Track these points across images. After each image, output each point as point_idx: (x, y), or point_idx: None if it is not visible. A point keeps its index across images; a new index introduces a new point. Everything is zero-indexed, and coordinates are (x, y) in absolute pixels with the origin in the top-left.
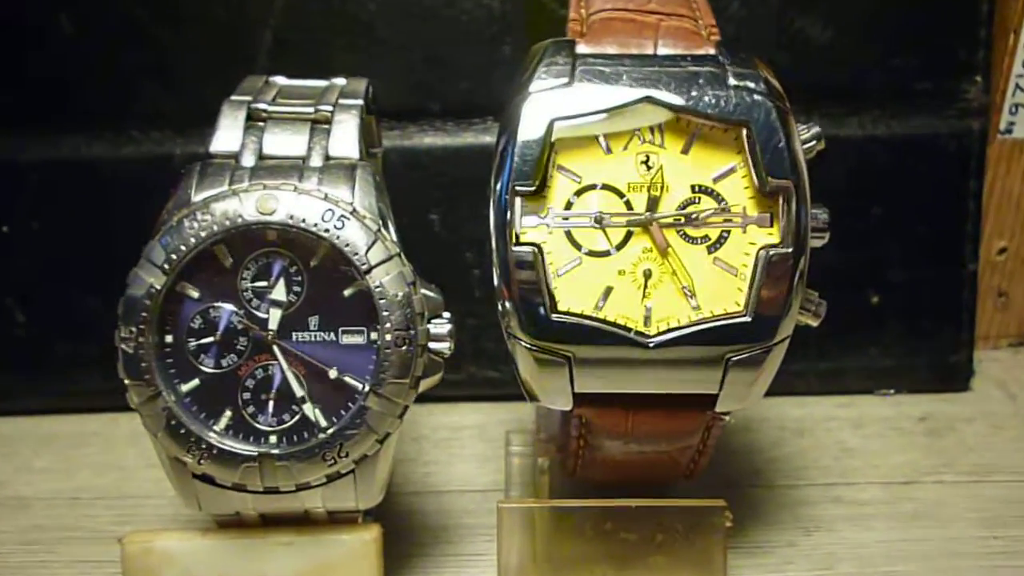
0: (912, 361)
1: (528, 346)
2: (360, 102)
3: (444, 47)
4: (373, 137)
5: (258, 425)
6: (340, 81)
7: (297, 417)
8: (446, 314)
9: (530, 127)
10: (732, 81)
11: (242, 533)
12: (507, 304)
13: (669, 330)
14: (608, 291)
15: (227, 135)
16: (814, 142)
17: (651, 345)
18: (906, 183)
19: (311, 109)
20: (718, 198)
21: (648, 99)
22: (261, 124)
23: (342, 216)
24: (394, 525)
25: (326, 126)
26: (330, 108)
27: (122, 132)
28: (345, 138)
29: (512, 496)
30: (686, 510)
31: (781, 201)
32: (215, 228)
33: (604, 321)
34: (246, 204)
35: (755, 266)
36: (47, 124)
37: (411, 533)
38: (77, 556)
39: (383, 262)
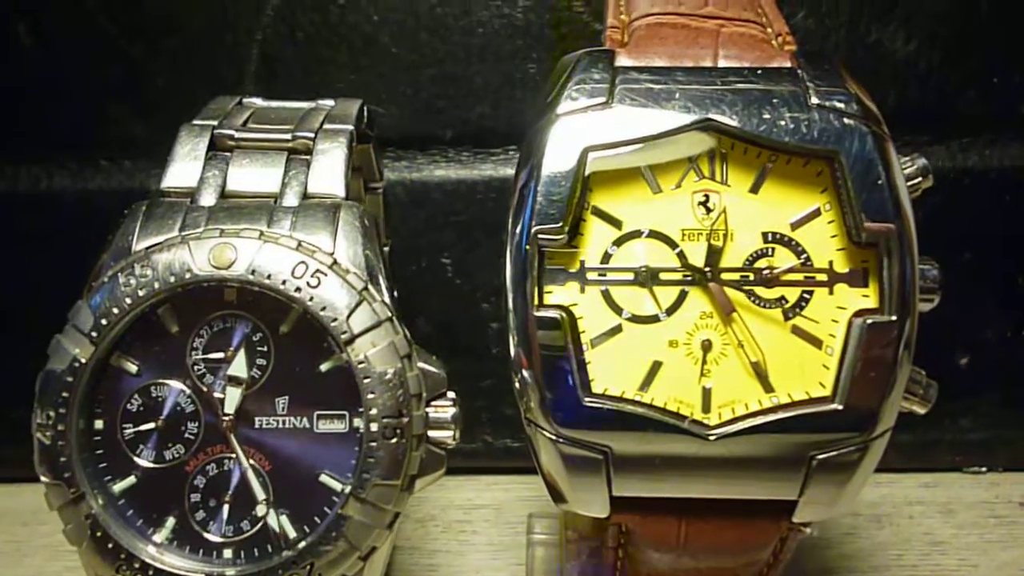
0: (1008, 433)
1: (553, 436)
2: (349, 127)
3: (457, 64)
4: (373, 170)
5: (208, 536)
6: (327, 103)
7: (258, 527)
8: (450, 394)
9: (558, 158)
10: (815, 100)
11: None
12: (527, 380)
13: (735, 419)
14: (656, 367)
15: (183, 167)
16: (919, 179)
17: (712, 438)
18: (1003, 223)
19: (288, 136)
20: (797, 249)
21: (708, 123)
22: (227, 154)
23: (318, 271)
24: None
25: (306, 157)
26: (311, 135)
27: (88, 161)
28: (328, 171)
29: None
30: None
31: (880, 253)
32: (157, 286)
33: (651, 406)
34: (197, 255)
35: (847, 337)
36: (1, 152)
37: None
38: None
39: (369, 330)
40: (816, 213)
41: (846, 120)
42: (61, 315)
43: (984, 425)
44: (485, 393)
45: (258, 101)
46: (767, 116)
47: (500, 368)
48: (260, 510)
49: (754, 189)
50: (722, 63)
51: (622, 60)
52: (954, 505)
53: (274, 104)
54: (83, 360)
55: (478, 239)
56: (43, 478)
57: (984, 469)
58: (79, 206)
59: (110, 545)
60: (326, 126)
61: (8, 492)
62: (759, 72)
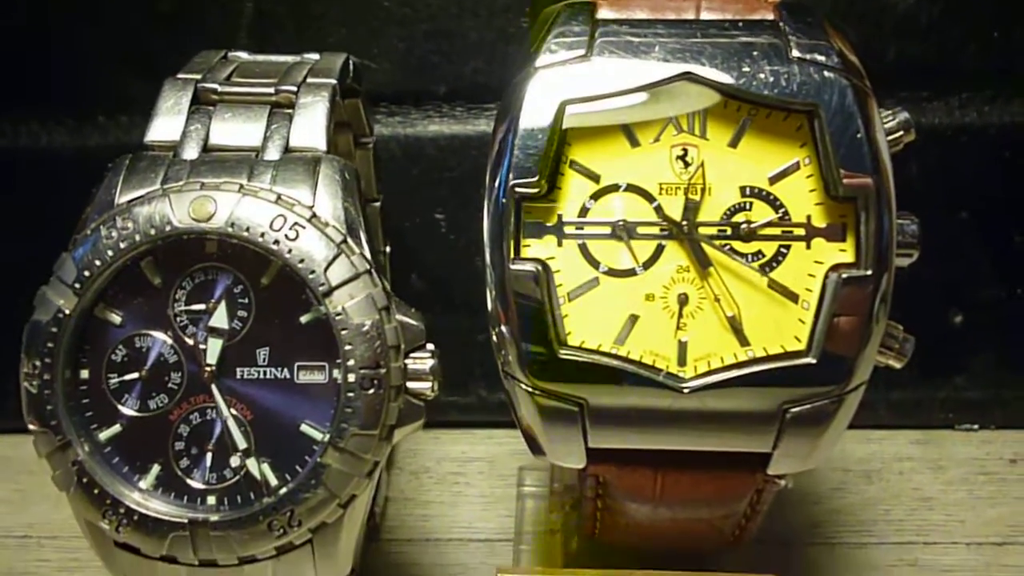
0: (1001, 392)
1: (530, 388)
2: (332, 81)
3: (451, 19)
4: (363, 125)
5: (192, 483)
6: (312, 56)
7: (240, 475)
8: (429, 346)
9: (535, 111)
10: (795, 53)
11: None
12: (504, 333)
13: (710, 372)
14: (633, 321)
15: (166, 121)
16: (901, 132)
17: (686, 390)
18: (1000, 182)
19: (271, 90)
20: (775, 203)
21: (687, 76)
22: (210, 108)
23: (296, 224)
24: None
25: (289, 110)
26: (295, 88)
27: (86, 118)
28: (310, 125)
29: (522, 551)
30: None
31: (858, 208)
32: (138, 238)
33: (627, 359)
34: (177, 208)
35: (822, 292)
36: (0, 110)
37: None
38: None
39: (347, 282)
40: (795, 167)
41: (826, 73)
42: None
43: (978, 384)
44: (479, 348)
45: (243, 55)
46: (747, 69)
47: None
48: (241, 459)
49: (733, 143)
50: (704, 15)
51: (603, 12)
52: (945, 462)
53: (259, 58)
54: (67, 311)
55: (472, 194)
56: (31, 426)
57: (976, 427)
58: (77, 162)
59: (96, 491)
60: (309, 80)
61: (13, 443)
62: (740, 24)
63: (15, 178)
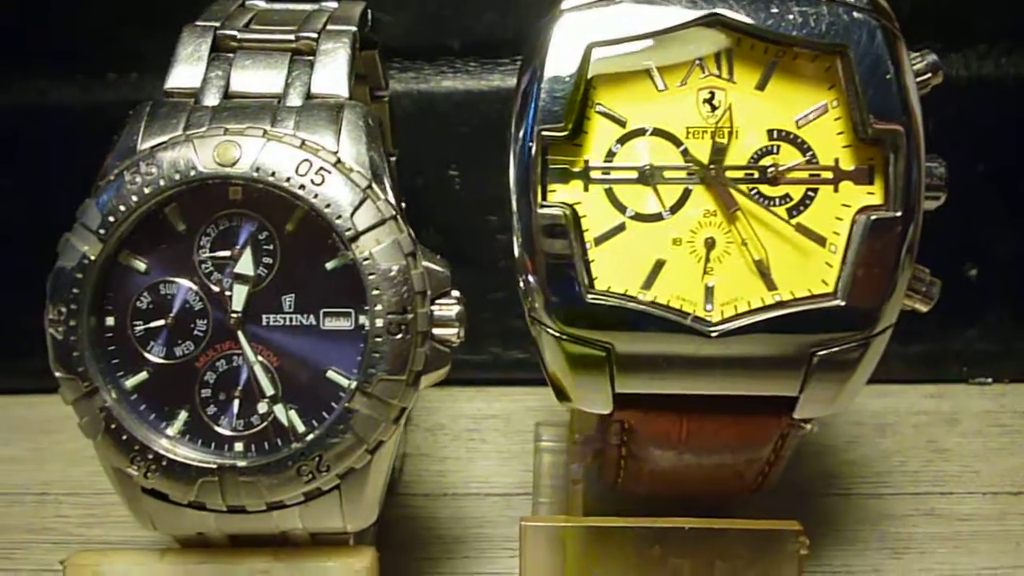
0: (1016, 345)
1: (557, 334)
2: (352, 28)
3: None
4: (379, 78)
5: (219, 429)
6: (331, 4)
7: (267, 421)
8: (455, 292)
9: (561, 55)
10: None
11: (208, 556)
12: (530, 280)
13: (737, 316)
14: (659, 265)
15: (186, 68)
16: (929, 74)
17: (713, 335)
18: (1018, 135)
19: (291, 37)
20: (803, 146)
21: (713, 18)
22: (230, 55)
23: (322, 169)
24: (400, 534)
25: (309, 57)
26: (315, 35)
27: (96, 74)
28: (332, 72)
29: (541, 504)
30: (752, 533)
31: (886, 150)
32: (162, 183)
33: (654, 304)
34: (202, 153)
35: (850, 235)
36: (9, 65)
37: (420, 545)
38: (40, 563)
39: (373, 227)
40: (823, 110)
41: (856, 14)
42: (67, 227)
43: (992, 337)
44: (493, 305)
45: (260, 3)
46: (775, 10)
47: (508, 280)
48: (268, 405)
49: (760, 86)
50: None
51: None
52: (959, 415)
53: (276, 6)
54: (92, 257)
55: (485, 151)
56: (57, 373)
57: (990, 380)
58: (87, 118)
59: (124, 437)
60: (329, 27)
61: (28, 403)
62: None
63: (23, 134)
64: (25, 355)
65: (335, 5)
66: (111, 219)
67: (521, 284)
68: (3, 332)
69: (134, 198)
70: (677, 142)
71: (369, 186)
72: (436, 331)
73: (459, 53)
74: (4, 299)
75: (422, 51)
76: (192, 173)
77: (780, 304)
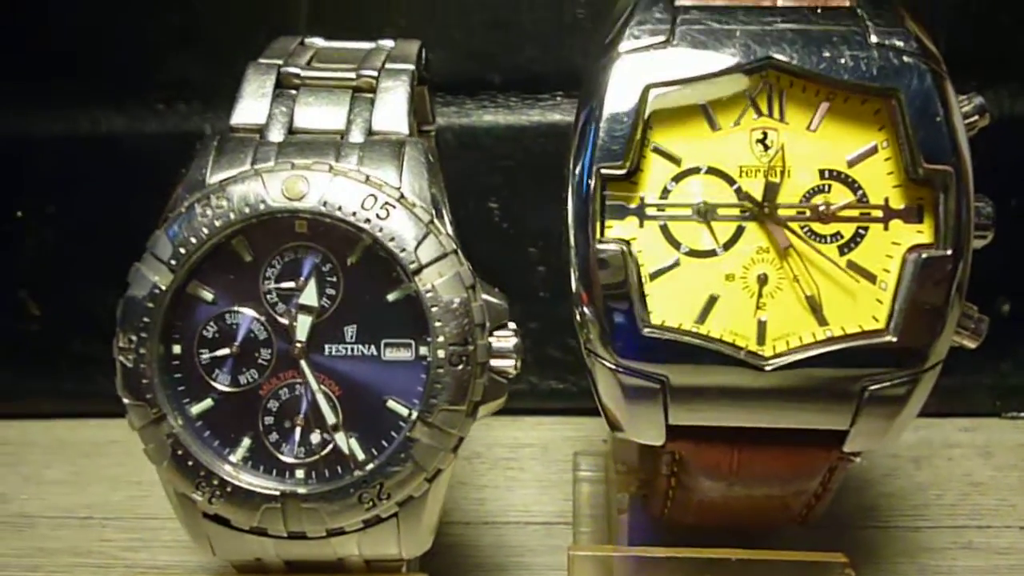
0: None
1: (612, 366)
2: (411, 67)
3: (508, 9)
4: (426, 112)
5: (282, 456)
6: (388, 43)
7: (329, 448)
8: (511, 325)
9: (620, 96)
10: (874, 39)
11: None
12: (586, 313)
13: (789, 351)
14: (713, 300)
15: (252, 104)
16: (976, 117)
17: (766, 369)
18: None
19: (352, 75)
20: (854, 186)
21: (767, 62)
22: (293, 92)
23: (387, 203)
24: (444, 562)
25: (370, 95)
26: (375, 73)
27: (145, 104)
28: (392, 109)
29: (582, 533)
30: (799, 565)
31: (936, 189)
32: (232, 216)
33: (708, 338)
34: (271, 187)
35: (901, 272)
36: (61, 96)
37: (464, 572)
38: None
39: (436, 260)
40: (873, 150)
41: (905, 58)
42: (117, 256)
43: None
44: (531, 335)
45: (319, 41)
46: (827, 55)
47: (546, 311)
48: (330, 433)
49: (812, 127)
50: (781, 2)
51: (682, 0)
52: (993, 448)
53: (335, 44)
54: (163, 287)
55: (525, 184)
56: (125, 399)
57: (1023, 414)
58: (136, 149)
59: (190, 463)
60: (388, 65)
61: (70, 426)
62: (819, 11)
63: (73, 164)
64: (66, 379)
65: (392, 44)
66: (182, 250)
67: (577, 316)
68: (46, 356)
69: (205, 230)
70: (731, 180)
71: (431, 220)
72: (494, 362)
73: (501, 88)
74: (47, 324)
75: (464, 86)
76: (261, 207)
77: (831, 340)
